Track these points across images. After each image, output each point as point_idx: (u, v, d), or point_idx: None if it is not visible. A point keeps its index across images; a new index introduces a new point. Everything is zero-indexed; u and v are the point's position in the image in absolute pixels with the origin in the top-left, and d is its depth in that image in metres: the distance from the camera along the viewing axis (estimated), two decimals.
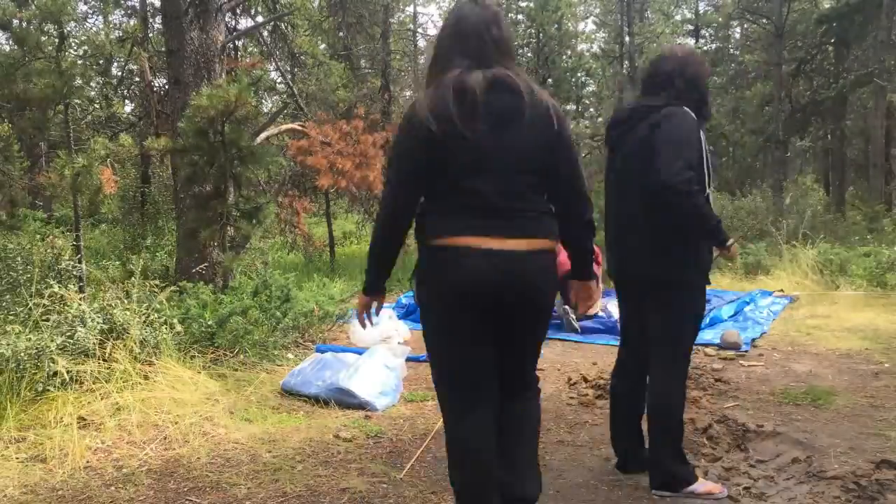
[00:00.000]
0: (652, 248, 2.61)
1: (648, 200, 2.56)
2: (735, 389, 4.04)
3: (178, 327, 4.01)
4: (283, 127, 7.82)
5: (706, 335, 5.46)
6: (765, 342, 5.39)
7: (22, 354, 3.23)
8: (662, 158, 2.47)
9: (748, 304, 6.67)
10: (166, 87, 9.41)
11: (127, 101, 16.84)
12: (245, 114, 5.30)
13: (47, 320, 3.57)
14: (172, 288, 4.46)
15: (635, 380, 2.83)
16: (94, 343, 3.50)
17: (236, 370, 4.12)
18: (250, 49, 12.93)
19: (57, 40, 4.84)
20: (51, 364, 3.28)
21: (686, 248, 2.60)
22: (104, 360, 3.53)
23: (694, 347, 5.08)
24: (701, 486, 2.63)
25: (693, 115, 2.58)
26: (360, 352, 4.33)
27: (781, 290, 7.58)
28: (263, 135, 6.78)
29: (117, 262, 7.08)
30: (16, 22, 4.94)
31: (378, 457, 3.04)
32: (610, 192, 2.82)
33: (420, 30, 21.32)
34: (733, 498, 2.59)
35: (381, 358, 4.01)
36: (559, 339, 5.69)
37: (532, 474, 2.24)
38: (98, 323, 3.59)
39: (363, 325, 2.28)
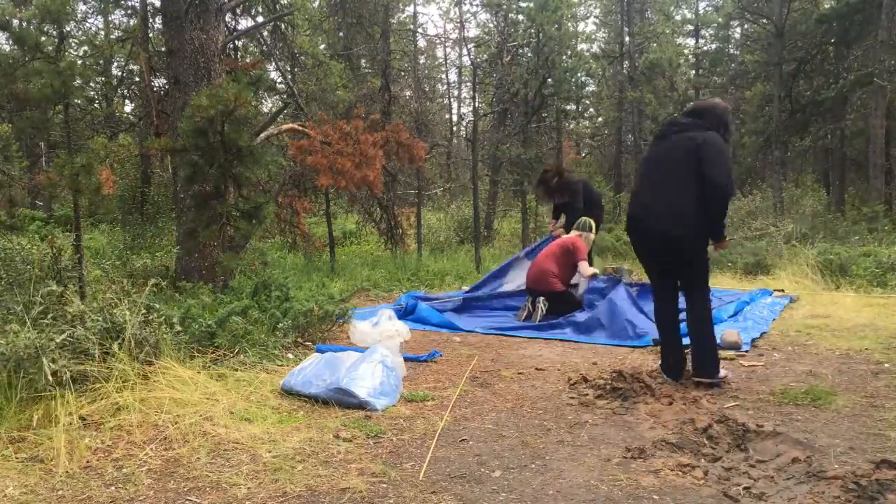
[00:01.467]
0: (675, 216, 3.87)
1: (692, 187, 3.84)
2: (735, 389, 4.04)
3: (178, 327, 4.01)
4: (283, 127, 7.83)
5: None
6: (765, 342, 5.39)
7: (21, 353, 3.22)
8: (717, 164, 3.79)
9: (748, 304, 6.67)
10: (166, 87, 9.42)
11: (127, 101, 16.87)
12: (245, 114, 5.31)
13: (49, 318, 3.57)
14: (177, 296, 4.46)
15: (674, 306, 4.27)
16: (93, 343, 3.50)
17: (236, 370, 4.11)
18: (250, 49, 12.93)
19: (56, 40, 4.84)
20: (51, 364, 3.27)
21: (704, 220, 3.87)
22: (104, 359, 3.53)
23: None
24: (722, 373, 4.07)
25: None
26: (360, 352, 4.33)
27: (781, 290, 7.58)
28: (263, 135, 6.79)
29: (117, 262, 7.07)
30: (15, 22, 4.94)
31: (378, 457, 3.04)
32: (647, 171, 4.14)
33: (420, 30, 21.32)
34: (733, 498, 2.59)
35: (381, 358, 4.01)
36: (559, 340, 5.69)
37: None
38: (98, 322, 3.59)
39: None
